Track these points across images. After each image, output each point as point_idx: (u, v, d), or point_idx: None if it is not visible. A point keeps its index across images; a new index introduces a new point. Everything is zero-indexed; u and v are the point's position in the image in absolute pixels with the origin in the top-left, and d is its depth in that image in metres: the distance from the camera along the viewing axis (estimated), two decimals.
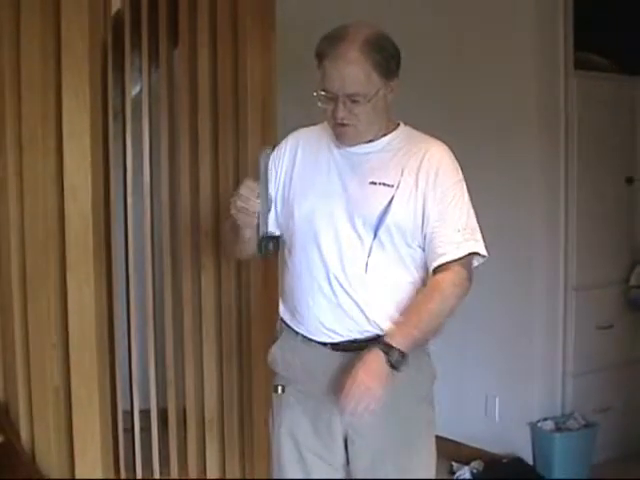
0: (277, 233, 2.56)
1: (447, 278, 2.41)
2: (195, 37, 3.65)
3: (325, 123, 2.53)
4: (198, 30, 3.64)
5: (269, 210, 2.44)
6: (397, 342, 2.34)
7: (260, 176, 2.38)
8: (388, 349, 2.33)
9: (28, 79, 3.18)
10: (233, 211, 2.42)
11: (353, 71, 2.32)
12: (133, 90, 3.76)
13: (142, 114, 3.72)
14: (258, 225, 2.40)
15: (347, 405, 2.33)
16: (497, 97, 4.44)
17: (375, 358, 2.33)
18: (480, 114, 4.49)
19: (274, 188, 2.56)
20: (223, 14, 3.61)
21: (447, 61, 4.60)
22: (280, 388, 2.58)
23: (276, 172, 2.57)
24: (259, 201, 2.37)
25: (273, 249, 2.44)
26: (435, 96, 4.63)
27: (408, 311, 2.41)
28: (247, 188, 2.38)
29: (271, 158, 2.57)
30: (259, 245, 2.42)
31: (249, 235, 2.46)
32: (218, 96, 3.65)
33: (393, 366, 2.32)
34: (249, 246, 2.51)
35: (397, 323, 2.40)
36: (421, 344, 2.43)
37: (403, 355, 2.33)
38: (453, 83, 4.58)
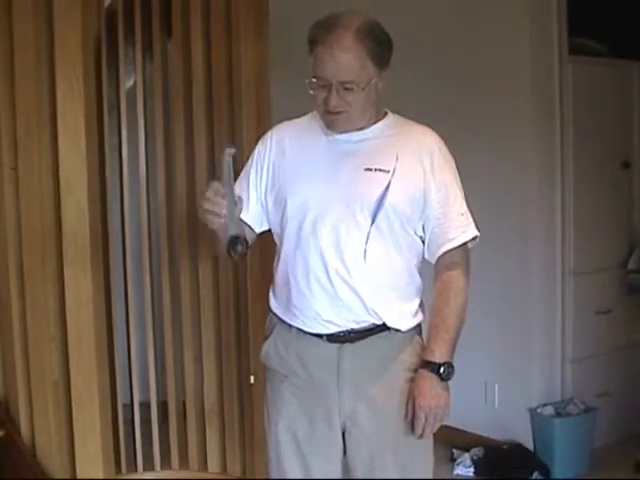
0: (257, 229, 2.56)
1: (454, 274, 2.46)
2: (188, 28, 3.65)
3: (312, 114, 2.51)
4: (191, 20, 3.63)
5: (239, 211, 2.38)
6: (439, 357, 2.41)
7: (224, 177, 2.33)
8: (434, 367, 2.40)
9: (22, 73, 3.18)
10: (200, 214, 2.40)
11: (348, 58, 2.29)
12: (128, 82, 3.75)
13: (137, 106, 3.72)
14: (225, 226, 2.35)
15: (419, 433, 2.42)
16: (492, 83, 4.44)
17: (427, 381, 2.40)
18: (476, 100, 4.49)
19: (260, 181, 2.53)
20: (216, 4, 3.60)
21: (442, 47, 4.59)
22: (252, 377, 2.58)
23: (262, 166, 2.54)
24: (226, 202, 2.33)
25: (242, 251, 2.39)
26: (431, 83, 4.62)
27: (433, 321, 2.45)
28: (212, 190, 2.35)
29: (256, 151, 2.56)
30: (227, 246, 2.36)
31: (220, 234, 2.41)
32: (212, 86, 3.65)
33: (445, 379, 2.41)
34: (220, 245, 2.45)
35: (429, 338, 2.45)
36: (456, 343, 2.46)
37: (449, 364, 2.40)
38: (448, 70, 4.56)
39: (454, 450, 4.48)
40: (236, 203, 2.36)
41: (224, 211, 2.33)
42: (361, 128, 2.44)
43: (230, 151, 2.33)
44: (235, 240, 2.34)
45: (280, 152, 2.52)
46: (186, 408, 3.83)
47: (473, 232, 2.48)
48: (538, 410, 4.36)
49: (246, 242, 2.38)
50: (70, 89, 3.13)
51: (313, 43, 2.34)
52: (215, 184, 2.35)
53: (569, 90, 4.40)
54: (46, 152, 3.19)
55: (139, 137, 3.74)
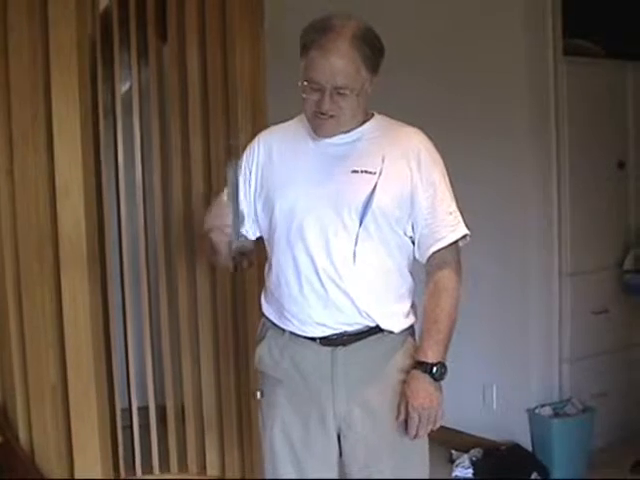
0: (251, 237, 2.55)
1: (445, 273, 2.45)
2: (184, 32, 3.64)
3: (298, 117, 2.51)
4: (187, 25, 3.63)
5: (241, 225, 2.38)
6: (432, 357, 2.40)
7: (230, 191, 2.33)
8: (426, 367, 2.40)
9: (17, 78, 3.17)
10: (206, 229, 2.41)
11: (343, 64, 2.29)
12: (123, 87, 3.75)
13: (132, 111, 3.72)
14: (230, 241, 2.37)
15: (412, 434, 2.41)
16: (487, 85, 4.44)
17: (420, 381, 2.40)
18: (471, 102, 4.49)
19: (249, 187, 2.53)
20: (211, 9, 3.59)
21: (436, 50, 4.59)
22: (259, 393, 2.58)
23: (250, 171, 2.53)
24: (232, 217, 2.34)
25: (247, 265, 2.42)
26: (426, 85, 4.62)
27: (426, 321, 2.45)
28: (219, 205, 2.38)
29: (243, 157, 2.54)
30: (233, 260, 2.41)
31: (225, 250, 2.42)
32: (208, 91, 3.65)
33: (438, 379, 2.41)
34: (225, 260, 2.48)
35: (421, 338, 2.45)
36: (449, 343, 2.45)
37: (442, 364, 2.40)
38: (443, 72, 4.57)
39: (453, 451, 4.48)
40: (240, 215, 2.36)
41: (229, 226, 2.34)
42: (347, 131, 2.43)
43: (234, 165, 2.34)
44: (240, 254, 2.37)
45: (267, 157, 2.52)
46: (185, 413, 3.83)
47: (462, 231, 2.47)
48: (536, 411, 4.36)
49: (249, 256, 2.41)
50: (65, 94, 3.12)
51: (306, 47, 2.33)
52: (220, 200, 2.38)
53: (564, 91, 4.40)
54: (42, 157, 3.18)
55: (135, 141, 3.73)
